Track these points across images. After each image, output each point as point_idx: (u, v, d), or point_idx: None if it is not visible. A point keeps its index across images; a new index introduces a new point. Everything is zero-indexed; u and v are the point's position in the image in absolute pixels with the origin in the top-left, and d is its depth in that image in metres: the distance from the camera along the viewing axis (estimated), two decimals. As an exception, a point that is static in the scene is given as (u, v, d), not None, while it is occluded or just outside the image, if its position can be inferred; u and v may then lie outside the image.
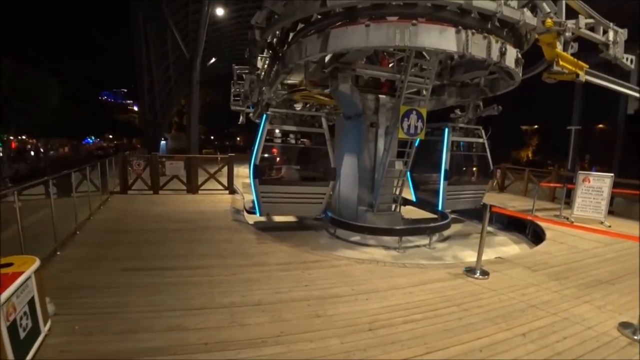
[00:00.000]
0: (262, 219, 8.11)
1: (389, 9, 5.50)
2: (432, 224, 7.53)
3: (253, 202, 7.41)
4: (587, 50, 7.37)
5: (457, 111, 9.43)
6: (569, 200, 8.90)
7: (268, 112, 7.18)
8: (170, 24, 22.28)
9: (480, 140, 9.34)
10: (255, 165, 6.80)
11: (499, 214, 8.24)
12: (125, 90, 77.59)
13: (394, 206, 7.96)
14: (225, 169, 10.69)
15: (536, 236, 7.78)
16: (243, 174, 13.82)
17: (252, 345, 2.79)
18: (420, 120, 6.87)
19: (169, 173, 10.52)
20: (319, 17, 6.09)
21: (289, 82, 9.40)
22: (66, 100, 24.35)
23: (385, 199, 7.63)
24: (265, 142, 7.05)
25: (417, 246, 7.50)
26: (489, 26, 5.68)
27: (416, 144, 7.51)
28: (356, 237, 7.57)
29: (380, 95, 7.72)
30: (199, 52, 21.30)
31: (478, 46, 5.48)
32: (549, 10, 6.02)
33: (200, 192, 10.31)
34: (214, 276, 4.17)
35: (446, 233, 8.34)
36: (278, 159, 7.46)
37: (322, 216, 7.68)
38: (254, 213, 7.42)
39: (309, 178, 7.57)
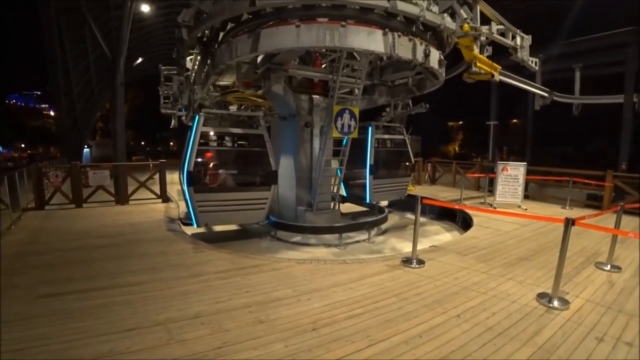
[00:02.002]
0: (201, 230, 7.67)
1: (318, 10, 5.55)
2: (370, 219, 7.77)
3: (188, 212, 6.90)
4: (500, 53, 8.17)
5: (388, 109, 9.95)
6: (491, 188, 9.80)
7: (201, 113, 6.76)
8: (88, 19, 20.29)
9: (402, 136, 10.00)
10: (188, 171, 6.35)
11: (432, 205, 8.79)
12: (39, 93, 68.36)
13: (332, 204, 8.07)
14: (158, 176, 10.04)
15: (465, 223, 8.46)
16: (178, 180, 13.09)
17: (192, 362, 2.62)
18: (353, 119, 7.08)
19: (93, 184, 9.56)
20: (249, 16, 5.97)
21: (222, 83, 9.10)
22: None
23: (323, 197, 7.71)
24: (199, 145, 6.58)
25: (357, 241, 7.72)
26: (414, 29, 6.02)
27: (344, 143, 7.73)
28: (297, 238, 7.57)
29: (313, 96, 7.79)
30: (122, 51, 19.67)
31: (404, 48, 5.78)
32: (465, 16, 6.57)
33: (130, 202, 9.55)
34: (148, 292, 3.86)
35: (384, 226, 8.69)
36: (214, 163, 7.02)
37: (266, 222, 7.45)
38: (190, 224, 6.93)
39: (249, 183, 7.23)
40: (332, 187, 7.96)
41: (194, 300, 3.66)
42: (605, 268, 4.94)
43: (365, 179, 9.19)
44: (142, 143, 57.27)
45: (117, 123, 19.97)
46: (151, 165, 13.51)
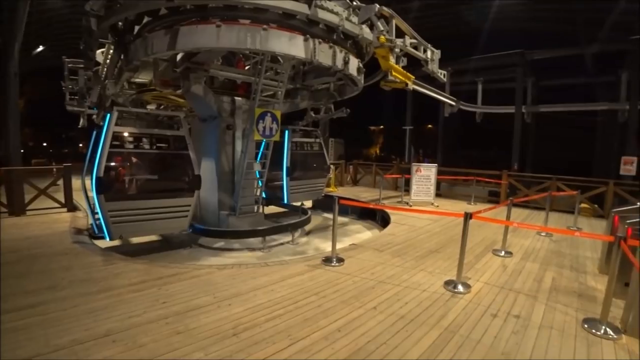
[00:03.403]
0: (115, 242, 6.85)
1: (241, 11, 5.50)
2: (293, 221, 7.85)
3: (99, 223, 6.11)
4: (414, 64, 8.89)
5: (312, 113, 10.25)
6: (408, 187, 10.61)
7: (114, 111, 6.07)
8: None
9: (318, 140, 10.52)
10: (98, 177, 5.65)
11: (353, 205, 9.32)
12: None
13: (256, 207, 7.99)
14: (62, 181, 8.95)
15: (384, 221, 9.04)
16: (87, 186, 11.71)
17: (100, 385, 2.41)
18: (275, 122, 7.13)
19: (-25, 192, 8.18)
20: (168, 11, 5.68)
21: (138, 80, 8.47)
22: None
23: (246, 200, 7.62)
24: (111, 147, 5.87)
25: (282, 244, 7.77)
26: (335, 37, 6.29)
27: (262, 146, 7.78)
28: (221, 243, 7.37)
29: (236, 97, 7.66)
30: (17, 37, 17.08)
31: (325, 54, 6.01)
32: (382, 28, 7.04)
33: (28, 213, 8.34)
34: (48, 314, 3.41)
35: (308, 227, 8.86)
36: (129, 168, 6.26)
37: (189, 230, 6.98)
38: (102, 237, 6.16)
39: (170, 189, 6.65)
40: (255, 190, 7.89)
41: (103, 317, 3.35)
42: (500, 254, 5.73)
43: (283, 180, 9.49)
44: (44, 144, 50.44)
45: (9, 120, 17.23)
46: (54, 169, 12.00)
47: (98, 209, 5.90)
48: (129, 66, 6.56)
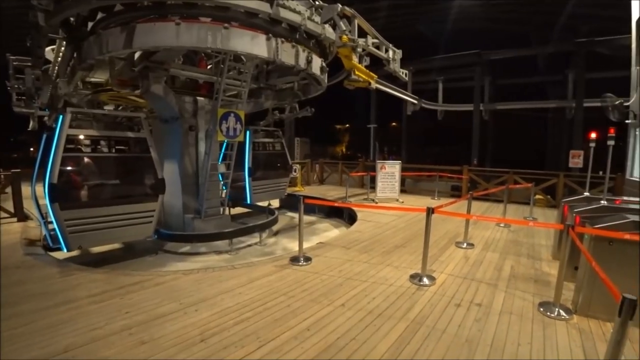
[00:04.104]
0: (74, 253, 6.29)
1: (201, 9, 5.35)
2: (260, 222, 7.74)
3: (55, 234, 5.66)
4: (377, 64, 9.09)
5: (276, 112, 10.22)
6: (373, 184, 10.83)
7: (67, 112, 5.60)
8: None
9: (279, 140, 10.60)
10: (51, 184, 5.22)
11: (321, 204, 9.38)
12: None
13: (222, 209, 7.81)
14: (10, 189, 8.33)
15: (351, 218, 9.17)
16: (39, 194, 10.88)
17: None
18: (239, 123, 7.01)
19: None
20: (123, 7, 5.42)
21: (93, 80, 8.02)
22: None
23: (212, 203, 7.42)
24: (65, 151, 5.42)
25: (249, 245, 7.68)
26: (297, 36, 6.27)
27: (224, 147, 7.66)
28: (187, 248, 7.16)
29: (198, 98, 7.46)
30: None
31: (287, 54, 5.98)
32: (345, 28, 7.14)
33: (-29, 224, 7.70)
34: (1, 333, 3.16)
35: (275, 228, 8.82)
36: (86, 173, 5.76)
37: (154, 237, 6.62)
38: (59, 249, 5.73)
39: (132, 194, 6.22)
40: (220, 192, 7.72)
41: (62, 332, 3.16)
42: (463, 246, 5.99)
43: (245, 181, 9.44)
44: (-11, 149, 46.64)
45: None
46: (2, 176, 11.12)
47: (53, 219, 5.47)
48: (83, 65, 6.18)
